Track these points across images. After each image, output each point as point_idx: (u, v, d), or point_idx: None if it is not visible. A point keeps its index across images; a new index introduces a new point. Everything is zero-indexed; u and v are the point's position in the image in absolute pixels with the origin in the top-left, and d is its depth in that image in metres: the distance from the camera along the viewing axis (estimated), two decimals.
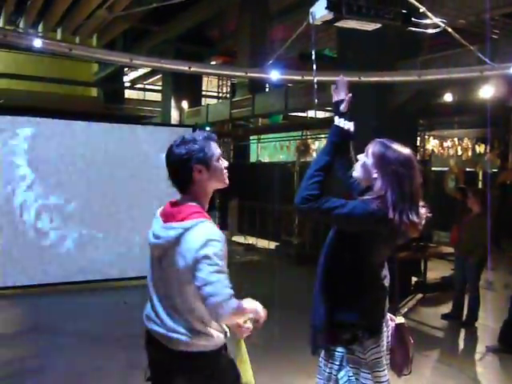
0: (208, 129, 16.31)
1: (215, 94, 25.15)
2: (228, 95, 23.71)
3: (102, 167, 8.41)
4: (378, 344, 2.54)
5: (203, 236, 2.26)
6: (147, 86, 27.51)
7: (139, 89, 27.66)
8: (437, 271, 9.58)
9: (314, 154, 12.85)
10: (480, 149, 15.13)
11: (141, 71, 26.14)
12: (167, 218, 2.40)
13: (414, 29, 3.59)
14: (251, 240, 13.17)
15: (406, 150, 2.52)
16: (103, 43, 19.47)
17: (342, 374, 2.49)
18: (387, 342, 2.65)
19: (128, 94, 27.50)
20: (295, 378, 5.08)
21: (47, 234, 8.04)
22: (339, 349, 2.52)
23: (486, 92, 8.54)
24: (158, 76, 24.34)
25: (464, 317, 6.99)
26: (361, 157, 2.59)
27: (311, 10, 3.34)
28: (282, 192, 11.89)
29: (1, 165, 7.77)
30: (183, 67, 7.33)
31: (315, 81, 3.73)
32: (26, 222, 7.91)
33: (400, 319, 2.76)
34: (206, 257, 2.23)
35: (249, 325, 2.56)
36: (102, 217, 8.39)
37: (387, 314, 2.69)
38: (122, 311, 7.01)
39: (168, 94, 20.37)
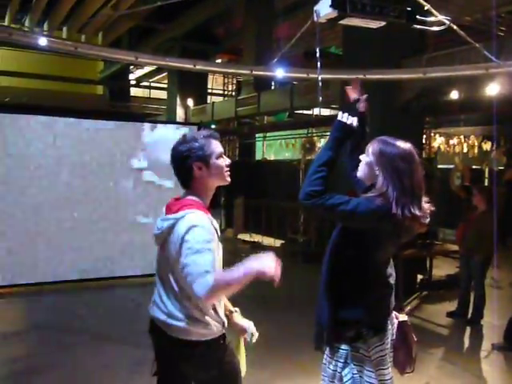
0: (213, 127, 16.35)
1: (221, 92, 25.15)
2: (233, 93, 23.73)
3: (106, 165, 8.44)
4: (382, 342, 2.54)
5: (187, 223, 2.41)
6: (153, 84, 27.53)
7: (145, 87, 27.68)
8: (442, 269, 9.57)
9: None
10: (486, 146, 15.09)
11: (146, 69, 26.19)
12: (167, 210, 2.57)
13: (418, 26, 3.57)
14: (257, 238, 13.17)
15: (405, 145, 2.52)
16: (109, 41, 19.48)
17: (346, 371, 2.49)
18: (391, 340, 2.65)
19: (134, 91, 27.53)
20: (295, 375, 5.06)
21: (53, 232, 8.05)
22: (343, 346, 2.52)
23: (492, 89, 8.51)
24: (164, 74, 24.36)
25: (469, 315, 6.98)
26: (363, 157, 2.60)
27: (316, 7, 3.34)
28: (288, 190, 11.90)
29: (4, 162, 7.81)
30: (188, 65, 7.33)
31: (319, 79, 3.73)
32: (33, 219, 7.93)
33: (403, 317, 2.76)
34: (185, 241, 2.37)
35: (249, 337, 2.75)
36: (107, 214, 8.41)
37: (392, 311, 2.70)
38: (129, 309, 7.03)
39: (173, 92, 20.39)
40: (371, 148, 2.55)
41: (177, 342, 2.50)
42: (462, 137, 15.52)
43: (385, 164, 2.46)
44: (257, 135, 19.40)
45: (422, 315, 7.35)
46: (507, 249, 11.18)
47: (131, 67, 25.82)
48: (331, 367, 2.56)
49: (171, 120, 18.84)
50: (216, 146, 2.59)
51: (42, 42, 6.45)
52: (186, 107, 19.63)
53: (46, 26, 18.01)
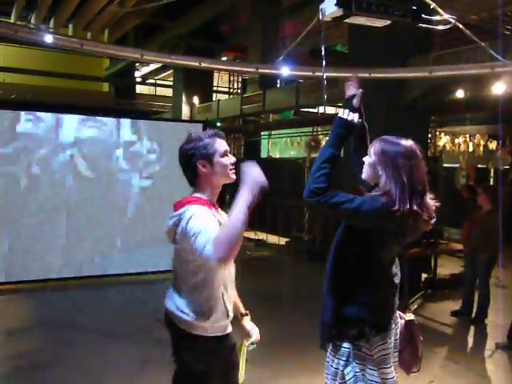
0: (219, 124, 16.33)
1: (226, 90, 25.11)
2: (239, 91, 23.70)
3: (111, 162, 8.46)
4: (385, 341, 2.54)
5: (188, 214, 2.46)
6: (158, 82, 27.52)
7: (150, 84, 27.68)
8: (447, 268, 9.56)
9: None
10: (492, 145, 15.03)
11: (152, 66, 26.15)
12: (174, 209, 2.63)
13: (424, 25, 3.56)
14: (261, 236, 13.19)
15: (406, 142, 2.53)
16: (114, 38, 19.48)
17: (348, 369, 2.50)
18: (395, 340, 2.65)
19: (139, 89, 27.52)
20: (298, 374, 5.05)
21: (57, 229, 8.08)
22: (346, 344, 2.52)
23: (498, 88, 8.48)
24: (170, 71, 24.33)
25: (474, 314, 6.98)
26: (366, 159, 2.61)
27: (321, 6, 3.33)
28: (293, 188, 11.87)
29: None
30: (194, 63, 7.32)
31: (324, 77, 3.74)
32: (37, 216, 7.95)
33: (410, 316, 2.77)
34: (189, 229, 2.41)
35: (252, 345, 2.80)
36: (111, 211, 8.44)
37: (396, 311, 2.70)
38: (134, 306, 7.01)
39: (179, 90, 20.37)
40: (373, 148, 2.56)
41: (181, 333, 2.57)
42: (467, 136, 15.45)
43: (387, 162, 2.47)
44: (262, 133, 19.38)
45: (427, 314, 7.36)
46: None
47: (137, 64, 25.80)
48: (334, 365, 2.56)
49: (176, 118, 18.84)
50: (220, 145, 2.64)
51: (48, 39, 6.45)
52: (191, 105, 19.62)
53: (51, 23, 18.02)
